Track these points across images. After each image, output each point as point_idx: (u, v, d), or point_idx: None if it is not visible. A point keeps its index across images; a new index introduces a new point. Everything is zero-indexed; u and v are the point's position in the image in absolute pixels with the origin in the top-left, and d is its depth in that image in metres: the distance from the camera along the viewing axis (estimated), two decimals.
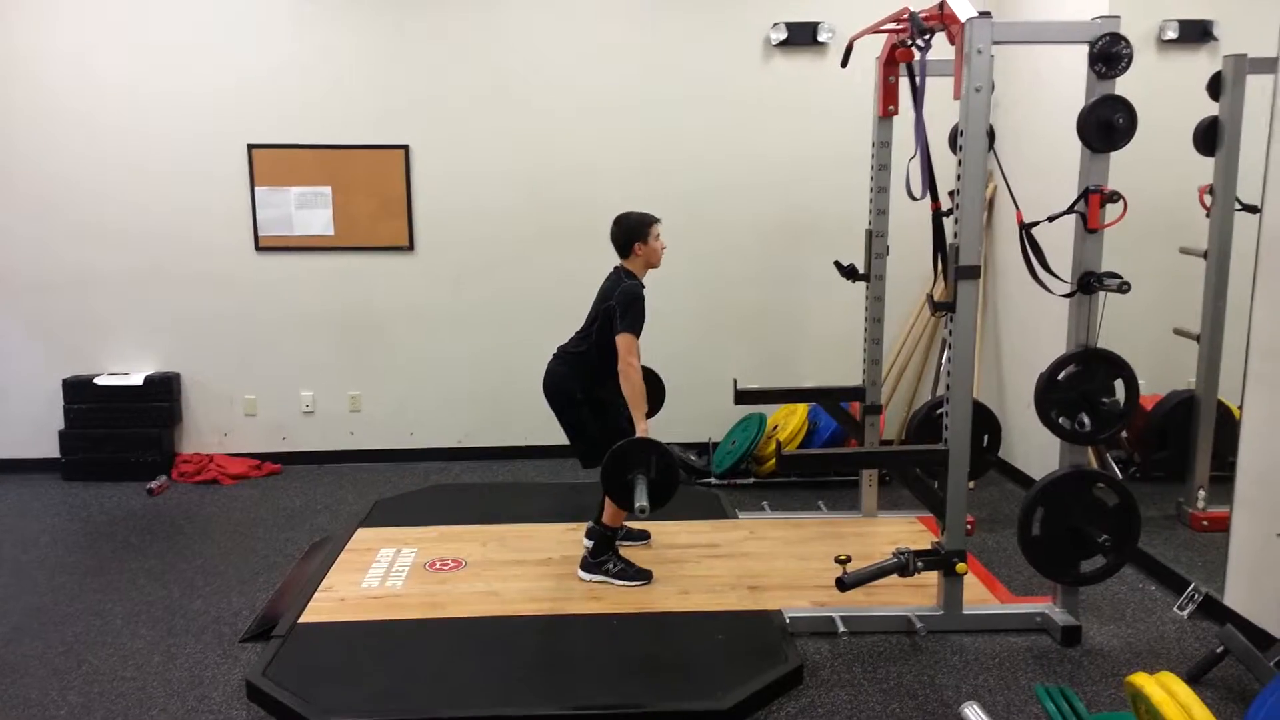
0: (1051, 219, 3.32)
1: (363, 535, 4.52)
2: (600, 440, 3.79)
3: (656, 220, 3.90)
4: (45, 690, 3.23)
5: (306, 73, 5.49)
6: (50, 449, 5.62)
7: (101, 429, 5.55)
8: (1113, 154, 3.24)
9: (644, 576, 3.93)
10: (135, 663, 3.42)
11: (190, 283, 5.63)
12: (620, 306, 3.76)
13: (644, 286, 3.85)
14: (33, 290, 5.57)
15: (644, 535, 4.33)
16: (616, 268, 3.93)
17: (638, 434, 3.70)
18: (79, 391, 5.55)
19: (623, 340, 3.74)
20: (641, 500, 3.48)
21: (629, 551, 4.13)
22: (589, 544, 4.03)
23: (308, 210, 5.60)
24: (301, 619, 3.63)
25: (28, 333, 5.62)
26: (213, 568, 4.29)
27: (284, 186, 5.56)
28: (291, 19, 5.44)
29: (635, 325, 3.77)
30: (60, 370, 5.61)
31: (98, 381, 5.55)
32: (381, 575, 4.05)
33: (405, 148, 5.58)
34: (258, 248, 5.63)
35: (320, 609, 3.73)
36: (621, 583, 3.90)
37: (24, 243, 5.52)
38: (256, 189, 5.55)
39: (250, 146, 5.51)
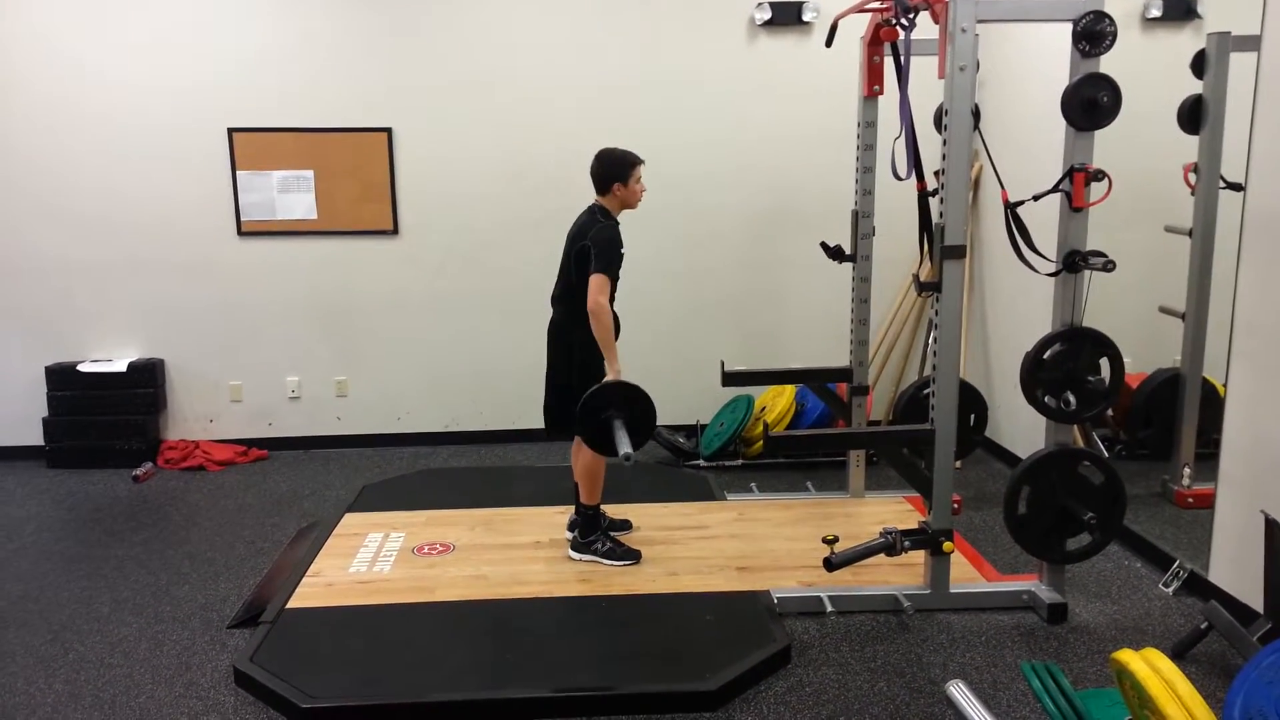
0: (1037, 198, 3.32)
1: (350, 520, 4.52)
2: (570, 414, 3.69)
3: (640, 161, 3.82)
4: (32, 679, 3.22)
5: (288, 55, 5.43)
6: (34, 437, 5.58)
7: (86, 416, 5.50)
8: (1097, 132, 3.24)
9: (633, 556, 3.94)
10: (123, 650, 3.41)
11: (173, 268, 5.58)
12: (596, 247, 3.65)
13: (619, 225, 3.73)
14: (13, 277, 5.51)
15: (626, 524, 4.29)
16: (591, 206, 3.83)
17: (609, 376, 3.65)
18: (62, 378, 5.51)
19: (595, 280, 3.62)
20: (625, 447, 3.41)
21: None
22: (571, 535, 4.03)
23: (290, 194, 5.55)
24: (289, 604, 3.63)
25: (9, 320, 5.57)
26: (199, 554, 4.27)
27: (266, 170, 5.51)
28: (273, 0, 5.38)
29: (611, 268, 3.64)
30: (43, 357, 5.56)
31: (81, 368, 5.51)
32: (369, 560, 4.04)
33: (388, 131, 5.53)
34: (240, 233, 5.58)
35: (308, 594, 3.72)
36: (610, 562, 3.91)
37: (4, 230, 5.46)
38: (238, 173, 5.50)
39: (231, 130, 5.45)
